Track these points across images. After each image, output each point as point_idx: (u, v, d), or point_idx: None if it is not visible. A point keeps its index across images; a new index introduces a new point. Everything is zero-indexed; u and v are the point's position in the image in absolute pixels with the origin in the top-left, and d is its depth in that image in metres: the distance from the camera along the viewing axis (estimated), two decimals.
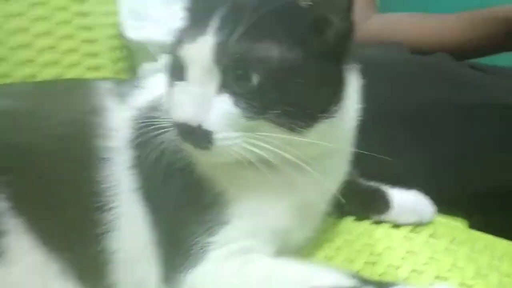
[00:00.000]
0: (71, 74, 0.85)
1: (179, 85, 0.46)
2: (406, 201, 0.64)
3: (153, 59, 1.00)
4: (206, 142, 0.44)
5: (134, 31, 1.00)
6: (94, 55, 0.89)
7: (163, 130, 0.50)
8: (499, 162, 0.69)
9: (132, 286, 0.50)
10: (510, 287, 0.52)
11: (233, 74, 0.43)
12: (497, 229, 0.66)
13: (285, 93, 0.43)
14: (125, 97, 0.58)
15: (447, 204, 0.67)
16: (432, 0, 1.38)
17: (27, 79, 0.79)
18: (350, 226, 0.64)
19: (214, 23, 0.43)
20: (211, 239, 0.49)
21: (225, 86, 0.43)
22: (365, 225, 0.64)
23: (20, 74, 0.79)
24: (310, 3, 0.43)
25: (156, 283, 0.50)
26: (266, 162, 0.45)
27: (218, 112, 0.43)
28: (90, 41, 0.89)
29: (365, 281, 0.46)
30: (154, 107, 0.55)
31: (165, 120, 0.51)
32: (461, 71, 0.79)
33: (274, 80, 0.43)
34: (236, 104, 0.43)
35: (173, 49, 0.48)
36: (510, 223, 0.68)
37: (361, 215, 0.65)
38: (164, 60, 0.99)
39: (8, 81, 0.77)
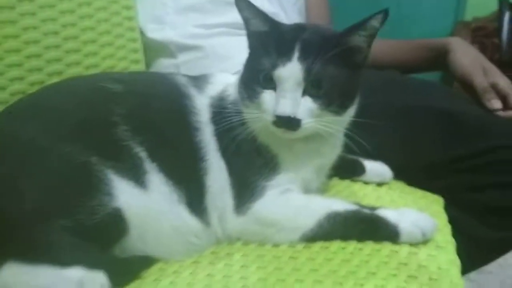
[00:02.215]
0: (121, 66, 1.09)
1: (269, 92, 0.73)
2: (374, 168, 0.99)
3: (172, 56, 1.25)
4: (296, 126, 0.72)
5: (155, 33, 1.24)
6: (135, 51, 1.13)
7: (232, 113, 0.79)
8: (431, 144, 1.04)
9: (217, 210, 0.77)
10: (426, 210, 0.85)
11: (312, 85, 0.72)
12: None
13: (340, 94, 0.74)
14: (201, 88, 0.84)
15: (398, 172, 1.01)
16: None
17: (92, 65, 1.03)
18: (338, 182, 0.97)
19: (295, 54, 0.71)
20: (268, 183, 0.78)
21: (306, 92, 0.72)
22: (347, 182, 0.97)
23: (88, 63, 1.02)
24: (365, 45, 0.74)
25: (231, 210, 0.78)
26: (314, 135, 0.75)
27: (304, 108, 0.72)
28: (133, 40, 1.13)
29: (362, 206, 0.79)
30: (222, 97, 0.83)
31: (234, 107, 0.80)
32: (408, 82, 1.15)
33: (336, 87, 0.73)
34: (314, 102, 0.72)
35: (261, 70, 0.74)
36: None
37: (344, 176, 0.98)
38: (182, 58, 1.25)
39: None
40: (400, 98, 1.07)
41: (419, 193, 0.98)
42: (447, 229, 0.83)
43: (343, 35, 0.74)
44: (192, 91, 0.83)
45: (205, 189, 0.77)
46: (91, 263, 0.62)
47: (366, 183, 0.98)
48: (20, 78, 0.91)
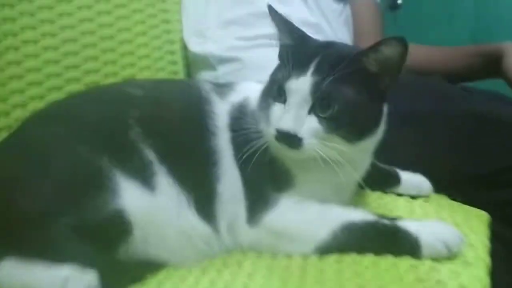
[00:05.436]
0: (159, 76, 1.12)
1: (278, 105, 0.71)
2: (410, 179, 0.92)
3: (212, 68, 1.27)
4: (298, 145, 0.68)
5: (197, 46, 1.27)
6: (174, 63, 1.16)
7: (250, 122, 0.76)
8: (474, 153, 0.96)
9: (228, 218, 0.75)
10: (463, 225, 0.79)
11: (320, 103, 0.68)
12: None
13: (351, 119, 0.69)
14: (223, 94, 0.83)
15: (439, 184, 0.93)
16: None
17: (129, 76, 1.06)
18: (367, 194, 0.91)
19: (311, 69, 0.69)
20: (281, 194, 0.75)
21: (313, 110, 0.68)
22: (378, 193, 0.91)
23: (125, 74, 1.06)
24: (376, 70, 0.69)
25: (243, 220, 0.75)
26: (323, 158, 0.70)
27: (308, 126, 0.68)
28: (172, 52, 1.16)
29: (382, 217, 0.73)
30: (243, 105, 0.81)
31: (252, 116, 0.77)
32: (449, 89, 1.07)
33: (346, 111, 0.68)
34: (320, 123, 0.68)
35: (276, 81, 0.72)
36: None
37: (376, 188, 0.92)
38: (222, 70, 1.27)
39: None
40: (438, 105, 1.00)
41: (459, 208, 0.90)
42: (483, 246, 0.74)
43: (355, 55, 0.70)
44: (213, 97, 0.82)
45: (216, 195, 0.75)
46: (87, 263, 0.62)
47: (400, 195, 0.91)
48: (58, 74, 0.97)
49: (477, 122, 0.98)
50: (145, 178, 0.71)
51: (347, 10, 1.40)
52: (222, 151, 0.77)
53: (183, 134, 0.77)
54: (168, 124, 0.77)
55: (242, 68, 1.22)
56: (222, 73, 1.24)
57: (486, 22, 1.91)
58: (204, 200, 0.75)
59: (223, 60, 1.24)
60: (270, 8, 0.77)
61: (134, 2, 1.08)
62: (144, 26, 1.09)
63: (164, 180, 0.73)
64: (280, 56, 0.78)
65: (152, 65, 1.11)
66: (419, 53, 1.23)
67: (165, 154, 0.74)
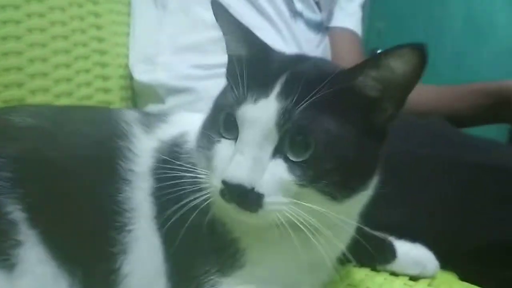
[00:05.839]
0: None
1: (226, 144, 0.48)
2: (410, 253, 0.68)
3: (161, 101, 1.03)
4: (255, 205, 0.45)
5: (144, 74, 1.05)
6: (106, 91, 0.92)
7: (184, 167, 0.52)
8: (485, 220, 0.72)
9: None
10: None
11: (291, 141, 0.45)
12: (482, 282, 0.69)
13: (337, 164, 0.45)
14: (151, 127, 0.60)
15: (447, 257, 0.69)
16: None
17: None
18: (352, 272, 0.65)
19: (276, 90, 0.46)
20: (223, 279, 0.50)
21: (280, 151, 0.45)
22: (366, 271, 0.67)
23: (35, 101, 0.80)
24: (377, 94, 0.47)
25: None
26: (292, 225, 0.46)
27: (272, 176, 0.45)
28: (104, 78, 0.92)
29: None
30: (177, 144, 0.57)
31: (187, 161, 0.53)
32: (454, 133, 0.86)
33: (329, 151, 0.45)
34: (290, 170, 0.45)
35: (223, 108, 0.49)
36: (493, 278, 0.71)
37: (364, 263, 0.67)
38: (171, 102, 1.03)
39: None
40: (439, 150, 0.79)
41: None
42: None
43: (345, 72, 0.48)
44: (136, 131, 0.59)
45: (118, 277, 0.50)
46: None
47: (395, 274, 0.67)
48: None
49: (488, 176, 0.76)
50: (1, 251, 0.46)
51: (325, 40, 1.21)
52: (137, 208, 0.53)
53: (77, 182, 0.53)
54: (56, 167, 0.53)
55: (196, 100, 0.99)
56: (171, 105, 1.01)
57: (467, 69, 1.88)
58: (97, 283, 0.50)
59: (174, 91, 1.02)
60: (214, 3, 0.54)
61: (55, 11, 0.84)
62: (66, 42, 0.85)
63: (32, 254, 0.48)
64: (229, 73, 0.54)
65: (74, 92, 0.85)
66: (425, 92, 1.02)
67: (41, 211, 0.50)
